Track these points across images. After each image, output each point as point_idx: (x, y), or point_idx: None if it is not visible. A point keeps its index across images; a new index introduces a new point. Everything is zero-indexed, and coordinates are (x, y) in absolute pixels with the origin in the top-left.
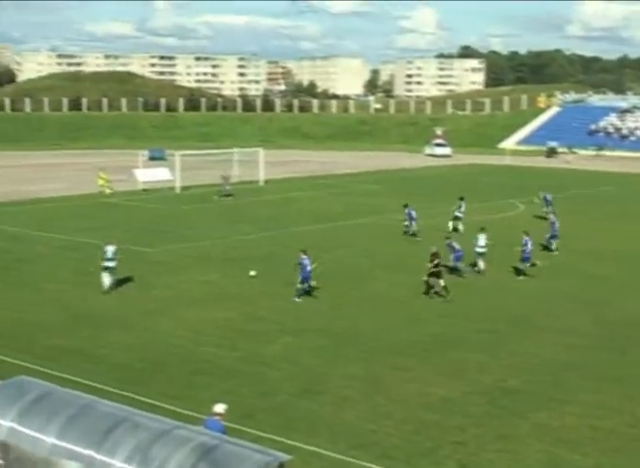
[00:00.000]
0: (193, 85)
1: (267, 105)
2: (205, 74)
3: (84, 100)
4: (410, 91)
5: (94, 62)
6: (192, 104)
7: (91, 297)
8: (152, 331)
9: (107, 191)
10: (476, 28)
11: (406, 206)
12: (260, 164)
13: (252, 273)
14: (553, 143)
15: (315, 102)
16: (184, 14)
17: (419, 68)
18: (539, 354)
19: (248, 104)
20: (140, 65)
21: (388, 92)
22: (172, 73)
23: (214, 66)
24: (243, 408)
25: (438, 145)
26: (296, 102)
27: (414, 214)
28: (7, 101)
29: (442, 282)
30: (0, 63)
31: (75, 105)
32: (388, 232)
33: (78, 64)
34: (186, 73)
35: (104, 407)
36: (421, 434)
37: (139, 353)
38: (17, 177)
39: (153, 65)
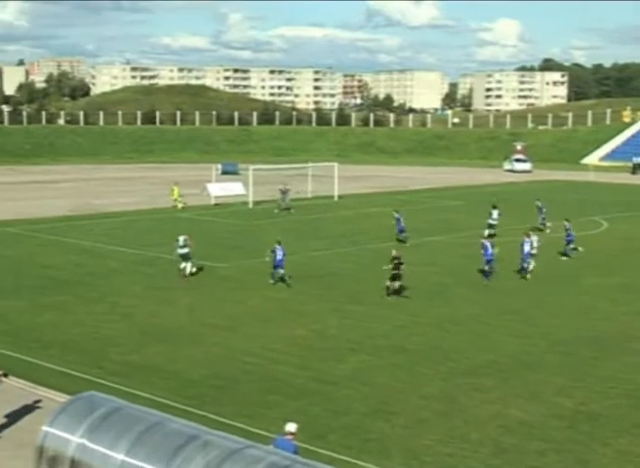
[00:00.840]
0: (267, 98)
1: (343, 119)
2: (279, 87)
3: (157, 114)
4: (489, 105)
5: (167, 75)
6: (266, 118)
7: (162, 313)
8: (224, 348)
9: (179, 206)
10: (559, 40)
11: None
12: (334, 179)
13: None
14: (639, 159)
15: (392, 116)
16: (259, 26)
17: (498, 82)
18: (620, 377)
19: (323, 118)
20: (213, 78)
21: (467, 106)
22: (245, 86)
23: (288, 79)
24: (315, 427)
25: (518, 161)
26: (372, 116)
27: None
28: (81, 115)
29: (397, 284)
30: (75, 77)
31: (149, 119)
32: (469, 249)
33: (152, 77)
34: (260, 86)
35: (175, 424)
36: (499, 458)
37: (210, 369)
38: (89, 191)
39: (227, 78)
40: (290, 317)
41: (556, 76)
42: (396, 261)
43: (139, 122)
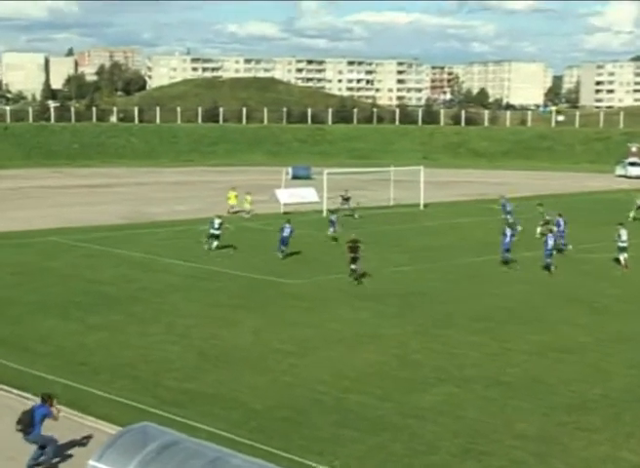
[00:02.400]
0: (345, 93)
1: (430, 117)
2: (359, 81)
3: (221, 110)
4: (599, 100)
5: (233, 67)
6: (343, 115)
7: (223, 335)
8: (292, 375)
9: (244, 215)
10: None
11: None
12: (420, 185)
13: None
14: None
15: (486, 114)
16: (336, 12)
17: (610, 74)
18: None
19: (407, 116)
20: (284, 70)
21: (573, 102)
22: (320, 80)
23: (369, 72)
24: (396, 467)
25: (633, 165)
26: (463, 114)
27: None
28: (135, 111)
29: (355, 267)
30: (129, 69)
31: (211, 116)
32: (573, 266)
33: (215, 69)
34: (337, 80)
35: (237, 460)
36: None
37: (277, 399)
38: (143, 197)
39: (300, 71)
40: (367, 341)
41: None
42: (351, 244)
43: (200, 119)
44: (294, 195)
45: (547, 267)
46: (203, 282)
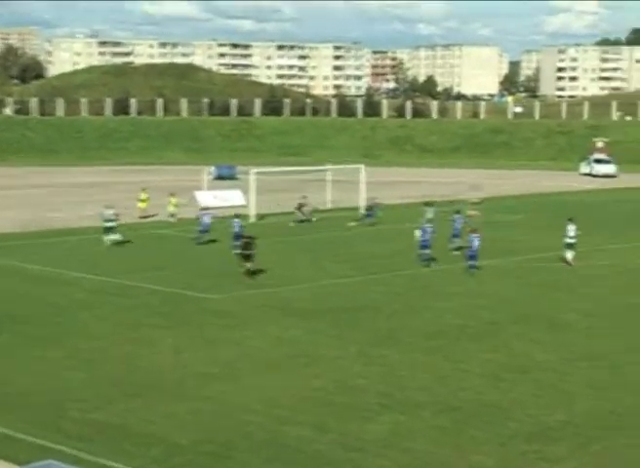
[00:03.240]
0: (274, 81)
1: (371, 108)
2: (290, 67)
3: (133, 101)
4: (561, 89)
5: (146, 52)
6: (273, 107)
7: (137, 358)
8: (217, 403)
9: (170, 219)
10: None
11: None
12: (361, 185)
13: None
14: None
15: (435, 105)
16: None
17: (573, 60)
18: None
19: (346, 107)
20: (205, 56)
21: (532, 91)
22: (246, 66)
23: (301, 58)
24: None
25: (599, 162)
26: (409, 105)
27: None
28: (34, 102)
29: (249, 265)
30: (25, 54)
31: (121, 107)
32: (529, 276)
33: (126, 54)
34: (265, 66)
35: None
36: None
37: (199, 432)
38: (43, 200)
39: (222, 56)
40: (302, 363)
41: None
42: (245, 240)
43: (108, 112)
44: (217, 198)
45: (471, 268)
46: (115, 297)
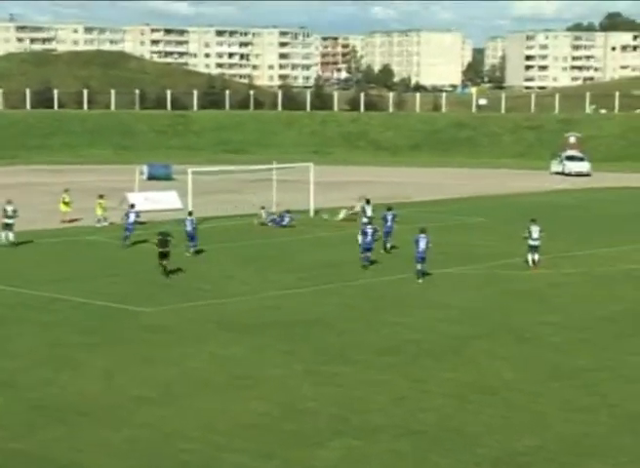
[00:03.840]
0: (214, 71)
1: (321, 101)
2: (231, 55)
3: (55, 92)
4: (530, 79)
5: (70, 38)
6: (212, 99)
7: (63, 380)
8: (152, 429)
9: (97, 224)
10: None
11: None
12: (309, 186)
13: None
14: None
15: (391, 97)
16: None
17: (543, 47)
18: None
19: (293, 99)
20: (136, 42)
21: (498, 81)
22: (182, 54)
23: (243, 45)
24: None
25: (571, 159)
26: (362, 97)
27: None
28: None
29: (165, 262)
30: None
31: (43, 100)
32: (496, 285)
33: (47, 40)
34: (204, 54)
35: None
36: None
37: (132, 461)
38: None
39: (156, 43)
40: (245, 384)
41: (626, 38)
42: (161, 238)
43: (27, 105)
44: (150, 200)
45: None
46: (36, 312)
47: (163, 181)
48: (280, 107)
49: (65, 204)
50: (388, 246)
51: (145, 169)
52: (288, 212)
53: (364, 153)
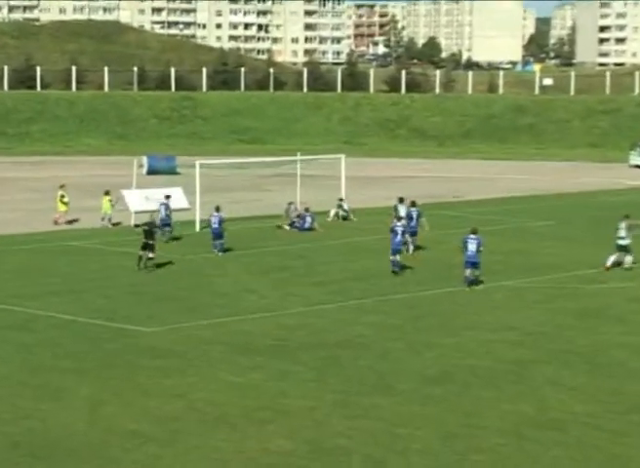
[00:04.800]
0: (226, 45)
1: (355, 81)
2: (247, 27)
3: (38, 70)
4: (605, 55)
5: (55, 6)
6: (224, 78)
7: (44, 412)
8: None
9: (105, 223)
10: None
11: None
12: (340, 182)
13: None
14: None
15: (438, 75)
16: None
17: (620, 16)
18: None
19: (320, 79)
20: (134, 11)
21: (566, 57)
22: (189, 25)
23: (262, 14)
24: None
25: None
26: (403, 75)
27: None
28: None
29: (151, 254)
30: None
31: (24, 79)
32: (566, 301)
33: (29, 9)
34: (215, 25)
35: None
36: None
37: None
38: None
39: (158, 11)
40: (264, 417)
41: None
42: (147, 228)
43: (5, 85)
44: (151, 199)
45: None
46: (15, 332)
47: (166, 176)
48: (305, 88)
49: (64, 203)
50: (411, 248)
51: (145, 161)
52: (307, 210)
53: (405, 143)
